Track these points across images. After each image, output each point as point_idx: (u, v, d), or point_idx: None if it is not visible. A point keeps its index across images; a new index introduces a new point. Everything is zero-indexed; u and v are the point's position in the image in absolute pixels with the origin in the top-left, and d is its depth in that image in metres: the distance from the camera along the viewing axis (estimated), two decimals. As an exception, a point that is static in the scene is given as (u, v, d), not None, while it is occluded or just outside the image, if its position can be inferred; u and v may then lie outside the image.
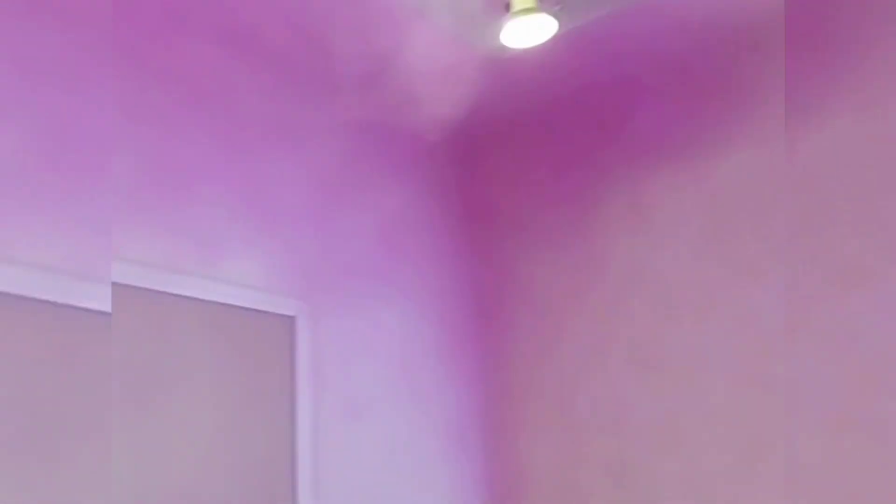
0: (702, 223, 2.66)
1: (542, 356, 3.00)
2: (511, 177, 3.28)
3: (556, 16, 2.48)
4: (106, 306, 1.87)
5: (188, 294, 2.13)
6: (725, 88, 2.68)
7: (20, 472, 1.66)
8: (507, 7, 2.47)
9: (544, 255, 3.08)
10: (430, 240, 3.19)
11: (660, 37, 2.72)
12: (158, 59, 2.24)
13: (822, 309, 2.34)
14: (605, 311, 2.84)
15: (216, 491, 2.07)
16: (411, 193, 3.16)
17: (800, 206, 2.42)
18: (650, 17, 2.59)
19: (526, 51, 2.74)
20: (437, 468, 2.85)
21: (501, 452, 3.05)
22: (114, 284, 1.95)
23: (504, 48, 2.70)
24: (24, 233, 1.80)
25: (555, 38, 2.67)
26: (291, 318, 2.46)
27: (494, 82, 2.92)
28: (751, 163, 2.58)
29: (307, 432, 2.37)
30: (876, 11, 2.35)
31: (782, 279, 2.41)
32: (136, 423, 1.93)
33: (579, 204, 3.00)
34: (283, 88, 2.67)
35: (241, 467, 2.15)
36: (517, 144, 3.29)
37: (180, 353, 2.08)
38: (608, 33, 2.66)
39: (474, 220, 3.42)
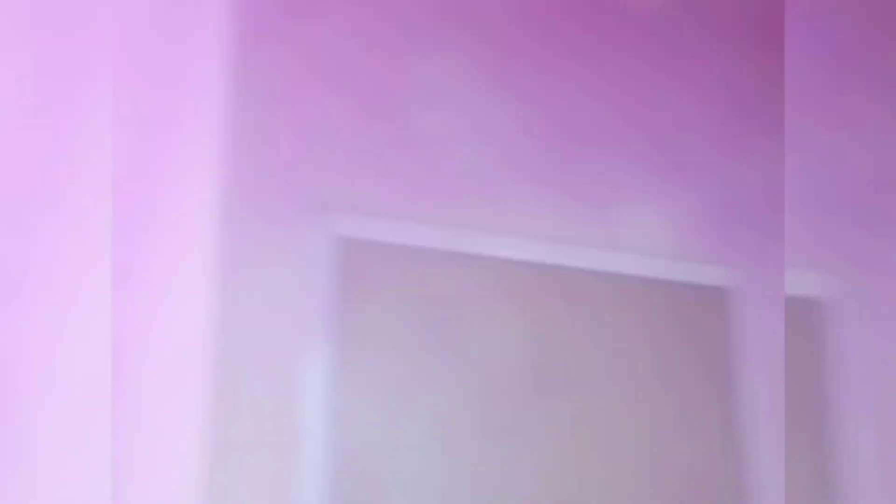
0: None
1: None
2: None
3: None
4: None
5: (590, 267, 1.87)
6: None
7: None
8: None
9: None
10: None
11: None
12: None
13: None
14: None
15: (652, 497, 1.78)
16: None
17: None
18: None
19: None
20: None
21: None
22: (502, 260, 1.78)
23: None
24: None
25: None
26: (721, 289, 2.01)
27: None
28: None
29: (763, 433, 1.90)
30: None
31: None
32: (545, 415, 1.72)
33: None
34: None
35: (678, 472, 1.83)
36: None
37: (589, 336, 1.82)
38: None
39: None
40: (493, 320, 1.71)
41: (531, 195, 1.85)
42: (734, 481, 1.85)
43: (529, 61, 1.96)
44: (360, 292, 1.58)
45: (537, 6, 2.00)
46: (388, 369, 1.56)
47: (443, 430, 1.58)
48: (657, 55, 2.09)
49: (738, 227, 2.04)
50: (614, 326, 1.84)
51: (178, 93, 1.74)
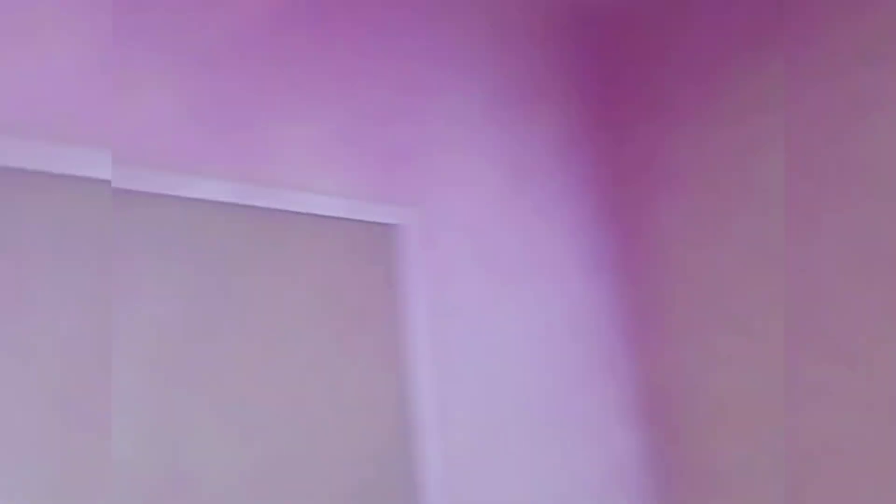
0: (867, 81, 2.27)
1: (694, 251, 2.68)
2: (648, 49, 2.93)
3: None
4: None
5: (279, 207, 1.95)
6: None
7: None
8: None
9: (692, 134, 2.73)
10: (557, 124, 2.82)
11: None
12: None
13: None
14: (769, 194, 2.47)
15: (321, 411, 1.90)
16: (532, 71, 2.79)
17: None
18: None
19: None
20: (573, 376, 2.54)
21: (649, 359, 2.76)
22: (201, 202, 1.82)
23: None
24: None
25: None
26: (394, 227, 2.20)
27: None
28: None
29: (420, 348, 2.13)
30: None
31: None
32: (232, 337, 1.78)
33: (730, 78, 2.63)
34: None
35: (348, 387, 1.97)
36: (655, 12, 2.90)
37: (277, 270, 1.90)
38: None
39: (607, 97, 3.05)
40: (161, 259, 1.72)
41: (226, 143, 1.93)
42: (396, 401, 2.04)
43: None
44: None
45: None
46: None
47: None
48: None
49: (411, 172, 2.30)
50: (303, 259, 1.96)
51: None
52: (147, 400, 1.61)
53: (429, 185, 2.35)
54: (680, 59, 2.80)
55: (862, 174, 2.26)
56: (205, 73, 1.91)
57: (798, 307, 2.36)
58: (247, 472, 1.71)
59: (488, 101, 2.62)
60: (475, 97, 2.58)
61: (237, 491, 1.69)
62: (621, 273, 2.88)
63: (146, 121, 1.78)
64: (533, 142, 2.73)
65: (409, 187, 2.29)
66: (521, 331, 2.44)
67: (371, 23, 2.36)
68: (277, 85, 2.07)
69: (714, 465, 2.55)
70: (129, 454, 1.55)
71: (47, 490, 1.43)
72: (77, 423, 1.50)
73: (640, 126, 2.90)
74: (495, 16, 2.75)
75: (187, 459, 1.63)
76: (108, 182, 1.65)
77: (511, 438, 2.30)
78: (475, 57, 2.63)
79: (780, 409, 2.40)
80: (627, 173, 2.92)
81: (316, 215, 2.03)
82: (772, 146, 2.49)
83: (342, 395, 1.94)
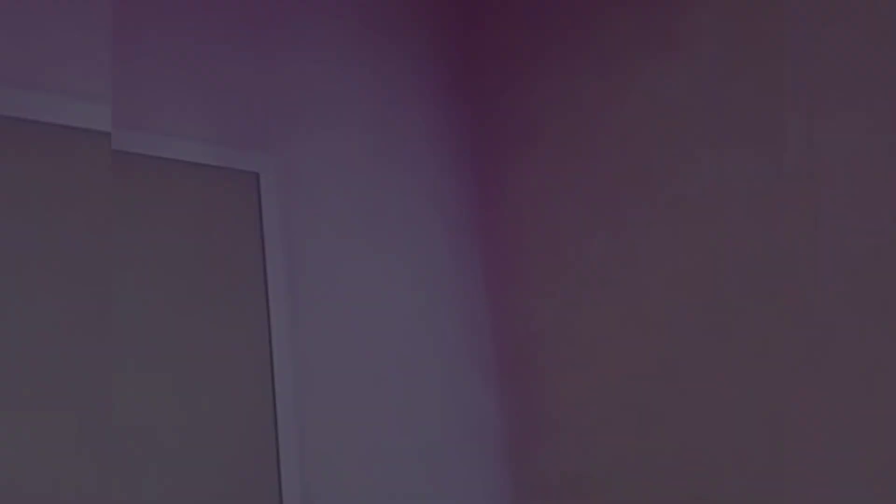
0: (727, 42, 2.28)
1: (548, 201, 2.70)
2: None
3: None
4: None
5: (128, 150, 1.85)
6: None
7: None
8: None
9: (548, 85, 2.73)
10: (424, 74, 2.79)
11: None
12: None
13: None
14: (618, 147, 2.52)
15: (174, 367, 1.84)
16: (398, 15, 2.74)
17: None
18: None
19: None
20: (434, 332, 2.55)
21: (505, 308, 2.80)
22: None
23: None
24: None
25: None
26: (254, 175, 2.10)
27: None
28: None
29: (281, 301, 2.06)
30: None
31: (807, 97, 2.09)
32: (91, 282, 1.70)
33: (590, 26, 2.63)
34: None
35: (208, 340, 1.90)
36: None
37: (126, 217, 1.81)
38: None
39: (465, 48, 3.03)
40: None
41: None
42: (255, 357, 1.99)
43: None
44: None
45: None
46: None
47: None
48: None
49: (271, 118, 2.22)
50: (158, 206, 1.88)
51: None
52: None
53: (291, 130, 2.28)
54: (548, 12, 2.79)
55: (715, 129, 2.32)
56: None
57: (644, 258, 2.44)
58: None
59: (354, 44, 2.56)
60: (339, 38, 2.51)
61: (95, 451, 1.65)
62: (483, 228, 2.88)
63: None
64: (399, 91, 2.68)
65: (269, 132, 2.21)
66: (385, 286, 2.42)
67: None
68: (125, 18, 1.95)
69: (569, 414, 2.58)
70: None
71: None
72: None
73: (508, 80, 2.88)
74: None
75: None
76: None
77: (373, 396, 2.29)
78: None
79: (632, 352, 2.45)
80: (493, 128, 2.91)
81: (163, 158, 1.91)
82: (630, 102, 2.52)
83: (197, 352, 1.87)
